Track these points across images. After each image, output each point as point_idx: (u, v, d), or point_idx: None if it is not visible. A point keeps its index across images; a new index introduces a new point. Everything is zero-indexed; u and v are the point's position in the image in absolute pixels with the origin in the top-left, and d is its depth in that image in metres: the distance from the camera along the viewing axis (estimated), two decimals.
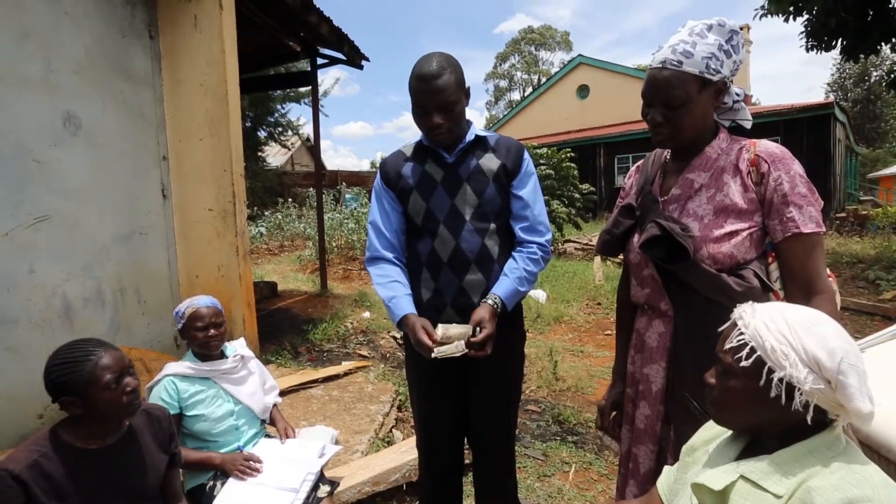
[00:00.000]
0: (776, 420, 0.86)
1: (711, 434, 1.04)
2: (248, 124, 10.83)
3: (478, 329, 1.49)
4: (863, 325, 5.01)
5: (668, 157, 1.43)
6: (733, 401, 0.89)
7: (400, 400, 3.13)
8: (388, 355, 3.90)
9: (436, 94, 1.50)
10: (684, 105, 1.24)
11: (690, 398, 1.25)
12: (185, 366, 2.02)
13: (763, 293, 1.26)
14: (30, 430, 2.36)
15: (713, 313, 1.29)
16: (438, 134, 1.56)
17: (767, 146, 1.27)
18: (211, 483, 1.93)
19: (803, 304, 1.19)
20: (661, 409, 1.34)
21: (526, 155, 1.71)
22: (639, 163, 1.53)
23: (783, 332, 0.84)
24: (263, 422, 2.20)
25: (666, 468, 1.13)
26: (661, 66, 1.24)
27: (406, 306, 1.58)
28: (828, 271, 1.27)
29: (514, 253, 1.67)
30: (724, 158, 1.30)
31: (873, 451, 1.68)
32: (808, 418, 0.81)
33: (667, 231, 1.25)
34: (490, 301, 1.54)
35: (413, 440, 2.48)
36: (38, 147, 2.60)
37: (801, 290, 1.22)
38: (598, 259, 9.18)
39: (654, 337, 1.38)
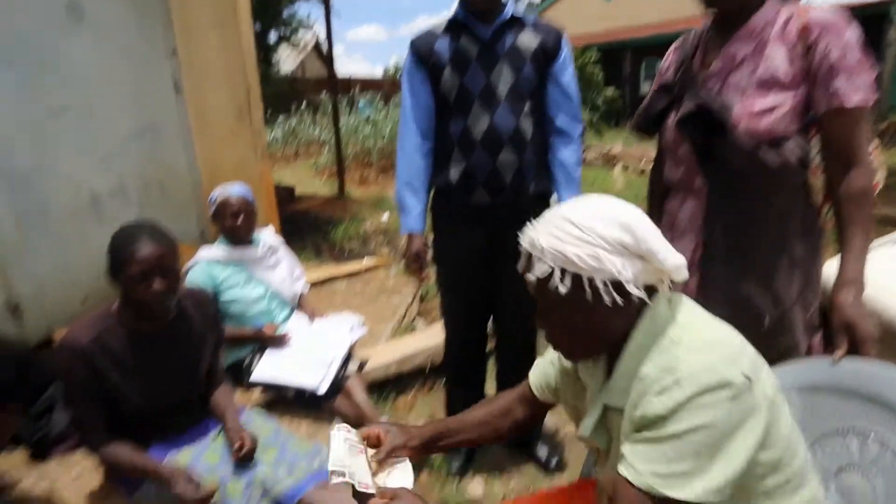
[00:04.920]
0: (620, 324, 0.81)
1: None
2: (258, 28, 10.30)
3: None
4: None
5: (710, 32, 1.35)
6: (575, 331, 0.82)
7: (422, 294, 3.23)
8: None
9: None
10: None
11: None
12: (218, 251, 2.08)
13: (800, 169, 1.25)
14: (76, 312, 2.50)
15: (748, 188, 1.28)
16: None
17: (819, 13, 1.18)
18: (248, 359, 2.07)
19: (842, 178, 1.19)
20: (689, 281, 1.38)
21: (566, 39, 1.64)
22: (676, 42, 1.46)
23: (575, 235, 0.76)
24: (293, 309, 2.30)
25: (538, 363, 1.12)
26: None
27: (412, 224, 1.73)
28: (872, 146, 1.24)
29: (565, 150, 1.68)
30: (769, 29, 1.21)
31: None
32: (645, 297, 0.78)
33: (704, 106, 1.22)
34: None
35: (437, 327, 2.59)
36: (43, 36, 2.51)
37: (840, 163, 1.20)
38: (618, 168, 8.99)
39: (686, 215, 1.39)
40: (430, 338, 2.42)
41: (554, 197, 1.78)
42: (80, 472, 1.70)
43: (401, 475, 0.96)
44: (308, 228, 4.43)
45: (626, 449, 0.77)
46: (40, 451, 1.77)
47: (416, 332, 2.73)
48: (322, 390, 1.92)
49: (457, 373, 1.96)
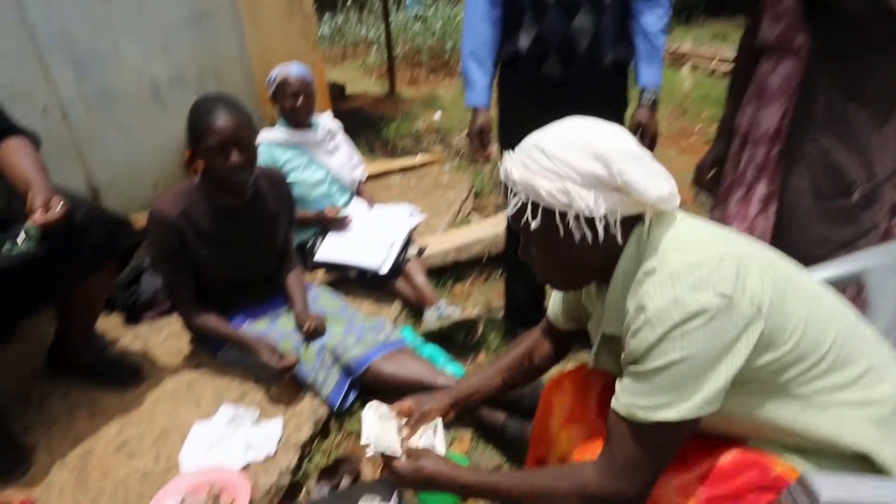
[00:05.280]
0: (604, 255, 0.77)
1: None
2: None
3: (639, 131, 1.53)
4: None
5: None
6: (554, 265, 0.81)
7: (476, 190, 3.19)
8: (461, 151, 3.89)
9: None
10: None
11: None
12: (279, 133, 2.08)
13: None
14: (148, 199, 2.62)
15: (861, 42, 1.12)
16: None
17: None
18: (311, 241, 2.13)
19: None
20: (773, 150, 1.28)
21: None
22: None
23: (547, 167, 0.72)
24: (352, 194, 2.32)
25: (553, 294, 1.08)
26: None
27: (476, 98, 1.60)
28: None
29: (649, 14, 1.50)
30: None
31: None
32: (619, 236, 0.73)
33: None
34: (649, 96, 1.55)
35: (493, 220, 2.57)
36: None
37: None
38: (686, 67, 8.30)
39: (779, 79, 1.26)
40: (487, 228, 2.41)
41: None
42: (169, 334, 1.86)
43: (432, 436, 1.02)
44: (360, 126, 4.36)
45: (618, 381, 0.78)
46: (132, 316, 1.93)
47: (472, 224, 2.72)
48: (384, 270, 1.97)
49: (518, 262, 1.96)
